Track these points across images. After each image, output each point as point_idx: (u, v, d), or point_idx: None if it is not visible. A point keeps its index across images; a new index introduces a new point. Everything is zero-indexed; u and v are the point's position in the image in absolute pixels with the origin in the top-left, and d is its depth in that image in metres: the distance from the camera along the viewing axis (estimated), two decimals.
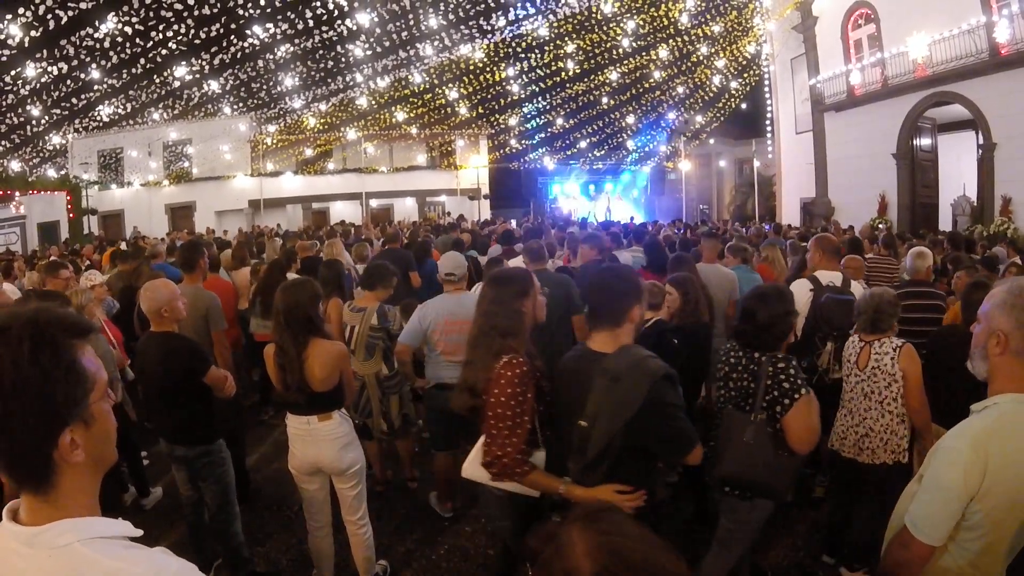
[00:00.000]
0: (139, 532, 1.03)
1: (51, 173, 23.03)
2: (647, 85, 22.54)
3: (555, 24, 18.20)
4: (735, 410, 2.67)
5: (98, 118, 19.25)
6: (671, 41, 19.50)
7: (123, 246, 11.97)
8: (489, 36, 17.65)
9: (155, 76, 16.39)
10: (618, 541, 0.84)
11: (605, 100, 23.55)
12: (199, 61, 15.35)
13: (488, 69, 20.42)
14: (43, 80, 14.30)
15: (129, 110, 19.02)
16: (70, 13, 11.40)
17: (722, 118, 23.96)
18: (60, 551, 0.94)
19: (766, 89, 21.37)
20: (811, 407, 2.55)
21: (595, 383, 2.11)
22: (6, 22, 11.26)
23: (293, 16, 14.01)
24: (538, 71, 20.88)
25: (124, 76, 15.54)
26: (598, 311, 2.28)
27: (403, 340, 3.91)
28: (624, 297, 2.23)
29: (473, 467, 2.40)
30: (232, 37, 14.55)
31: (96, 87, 16.13)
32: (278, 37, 14.90)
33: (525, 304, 2.43)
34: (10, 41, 11.60)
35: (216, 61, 15.39)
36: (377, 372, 4.18)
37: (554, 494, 2.19)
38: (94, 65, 14.29)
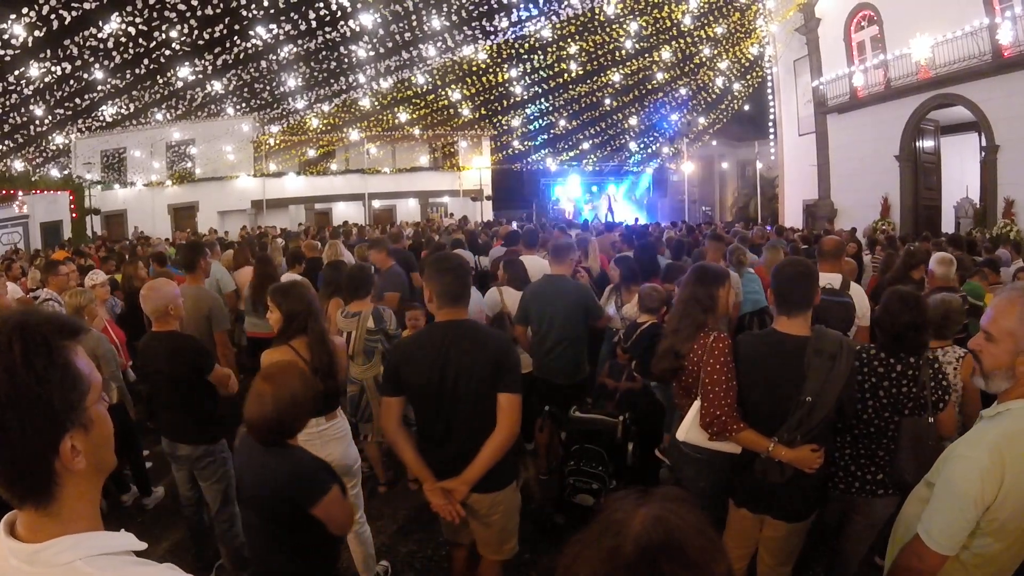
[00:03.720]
0: (143, 545, 0.98)
1: (54, 173, 23.07)
2: (650, 87, 22.53)
3: (558, 26, 18.21)
4: (908, 417, 2.65)
5: (101, 118, 19.26)
6: (674, 43, 19.49)
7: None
8: (492, 37, 17.67)
9: (158, 76, 16.40)
10: (680, 528, 0.81)
11: (608, 101, 23.53)
12: (202, 62, 15.38)
13: (491, 70, 20.43)
14: (46, 80, 14.31)
15: (132, 110, 19.02)
16: (73, 13, 11.43)
17: (725, 119, 23.95)
18: (62, 570, 0.89)
19: (769, 91, 21.37)
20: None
21: (813, 363, 2.37)
22: (10, 22, 11.29)
23: (296, 17, 14.03)
24: (541, 72, 20.89)
25: (127, 76, 15.54)
26: (790, 298, 2.52)
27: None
28: (815, 284, 2.54)
29: (687, 431, 2.73)
30: (235, 38, 14.58)
31: (99, 87, 16.15)
32: (281, 38, 14.92)
33: (720, 292, 3.00)
34: (14, 41, 11.62)
35: (219, 62, 15.41)
36: (376, 375, 4.15)
37: (761, 452, 2.45)
38: (97, 65, 14.31)
